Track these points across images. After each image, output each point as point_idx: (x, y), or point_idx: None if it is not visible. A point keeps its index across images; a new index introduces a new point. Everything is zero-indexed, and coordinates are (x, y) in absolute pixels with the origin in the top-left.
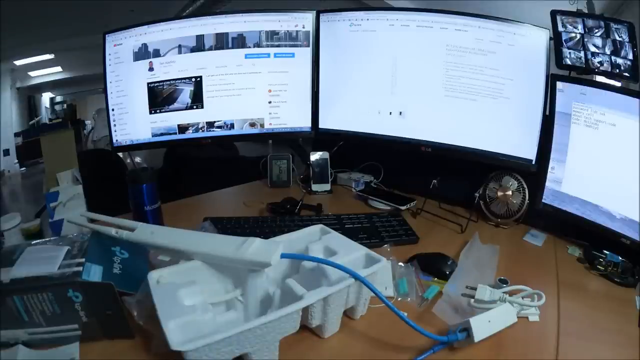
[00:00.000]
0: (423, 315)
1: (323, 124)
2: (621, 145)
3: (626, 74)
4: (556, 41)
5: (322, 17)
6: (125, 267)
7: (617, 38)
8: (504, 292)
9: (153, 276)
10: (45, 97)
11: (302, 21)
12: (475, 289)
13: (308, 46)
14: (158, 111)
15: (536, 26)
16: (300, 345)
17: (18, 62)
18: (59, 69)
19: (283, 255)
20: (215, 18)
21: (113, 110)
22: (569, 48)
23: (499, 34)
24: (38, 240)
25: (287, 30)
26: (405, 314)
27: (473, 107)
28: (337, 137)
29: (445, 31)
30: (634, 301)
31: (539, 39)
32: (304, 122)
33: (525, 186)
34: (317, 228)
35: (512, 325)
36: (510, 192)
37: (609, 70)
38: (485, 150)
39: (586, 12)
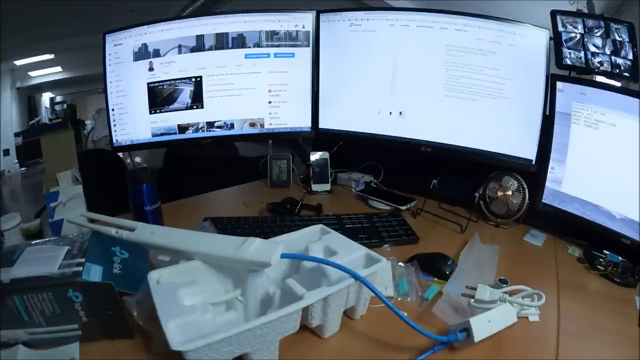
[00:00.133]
0: (423, 315)
1: (323, 124)
2: (621, 145)
3: (626, 74)
4: (556, 41)
5: (322, 17)
6: (125, 267)
7: (617, 38)
8: (504, 292)
9: (153, 276)
10: (45, 97)
11: (302, 21)
12: (475, 289)
13: (308, 46)
14: (158, 111)
15: (536, 26)
16: (300, 345)
17: (18, 62)
18: (59, 69)
19: (283, 255)
20: (215, 18)
21: (113, 110)
22: (569, 48)
23: (499, 34)
24: (38, 240)
25: (287, 30)
26: (405, 314)
27: (473, 107)
28: (337, 137)
29: (445, 31)
30: (634, 301)
31: (539, 39)
32: (304, 122)
33: (525, 186)
34: (317, 228)
35: (512, 325)
36: (510, 192)
37: (609, 70)
38: (485, 150)
39: (586, 12)
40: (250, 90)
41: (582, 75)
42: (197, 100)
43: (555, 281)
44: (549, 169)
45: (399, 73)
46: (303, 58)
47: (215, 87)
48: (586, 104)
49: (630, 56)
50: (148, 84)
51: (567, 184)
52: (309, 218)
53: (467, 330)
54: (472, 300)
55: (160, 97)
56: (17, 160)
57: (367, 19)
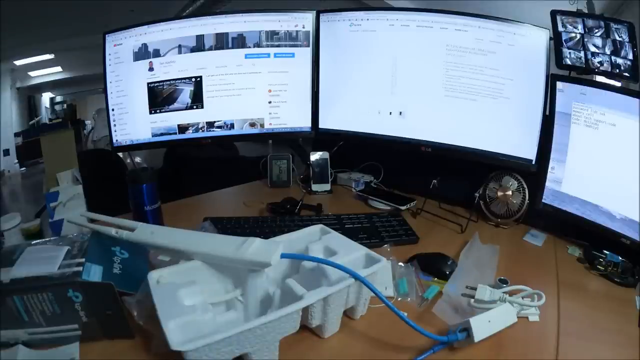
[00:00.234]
0: (423, 315)
1: (323, 124)
2: (621, 145)
3: (626, 74)
4: (556, 41)
5: (322, 17)
6: (125, 267)
7: (617, 38)
8: (504, 292)
9: (153, 276)
10: (45, 97)
11: (302, 21)
12: (475, 289)
13: (308, 46)
14: (158, 111)
15: (536, 26)
16: (300, 345)
17: (18, 62)
18: (59, 69)
19: (283, 255)
20: (215, 18)
21: (113, 110)
22: (569, 48)
23: (499, 34)
24: (38, 240)
25: (287, 30)
26: (405, 314)
27: (473, 107)
28: (337, 137)
29: (445, 31)
30: (634, 301)
31: (539, 39)
32: (304, 122)
33: (525, 186)
34: (317, 228)
35: (512, 325)
36: (510, 192)
37: (609, 70)
38: (485, 150)
39: (586, 12)
40: (250, 90)
41: (582, 75)
42: (197, 100)
43: (555, 281)
44: (549, 169)
45: (399, 73)
46: (303, 58)
47: (215, 87)
48: (586, 104)
49: (630, 56)
50: (148, 84)
51: (567, 184)
52: (309, 218)
53: (467, 330)
54: (472, 300)
55: (160, 97)
56: (17, 160)
57: (367, 19)
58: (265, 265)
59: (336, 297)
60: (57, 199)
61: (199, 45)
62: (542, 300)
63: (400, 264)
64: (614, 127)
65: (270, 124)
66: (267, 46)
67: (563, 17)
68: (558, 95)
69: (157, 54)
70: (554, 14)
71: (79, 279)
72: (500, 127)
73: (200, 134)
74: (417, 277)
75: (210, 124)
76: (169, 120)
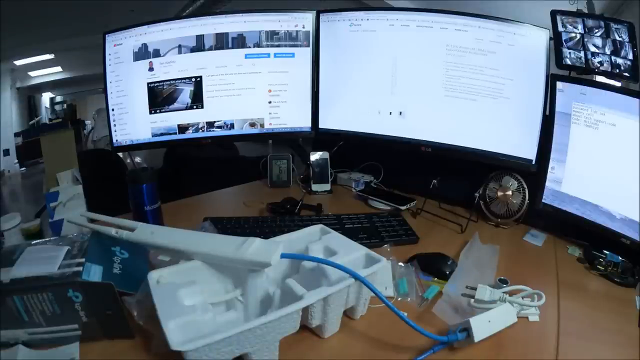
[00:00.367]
0: (423, 315)
1: (323, 124)
2: (621, 145)
3: (626, 74)
4: (556, 41)
5: (322, 17)
6: (125, 267)
7: (617, 38)
8: (504, 292)
9: (153, 276)
10: (45, 97)
11: (302, 21)
12: (475, 289)
13: (308, 46)
14: (158, 111)
15: (536, 26)
16: (300, 345)
17: (18, 62)
18: (59, 69)
19: (283, 255)
20: (215, 18)
21: (113, 110)
22: (569, 48)
23: (499, 34)
24: (38, 240)
25: (287, 30)
26: (405, 314)
27: (473, 107)
28: (337, 137)
29: (445, 31)
30: (634, 301)
31: (539, 39)
32: (304, 122)
33: (525, 186)
34: (317, 228)
35: (512, 325)
36: (510, 192)
37: (609, 70)
38: (485, 150)
39: (586, 12)
40: (250, 90)
41: (582, 75)
42: (197, 100)
43: (555, 281)
44: (549, 169)
45: (399, 73)
46: (303, 58)
47: (215, 87)
48: (586, 104)
49: (630, 56)
50: (148, 84)
51: (567, 184)
52: (309, 218)
53: (467, 330)
54: (472, 300)
55: (160, 97)
56: (17, 160)
57: (367, 19)
58: (265, 265)
59: (336, 297)
60: (57, 199)
61: (199, 45)
62: (542, 300)
63: (400, 264)
64: (614, 127)
65: (270, 124)
66: (267, 46)
67: (563, 17)
68: (558, 95)
69: (157, 54)
70: (554, 14)
71: (79, 279)
72: (500, 127)
73: (200, 134)
74: (417, 277)
75: (210, 124)
76: (169, 120)
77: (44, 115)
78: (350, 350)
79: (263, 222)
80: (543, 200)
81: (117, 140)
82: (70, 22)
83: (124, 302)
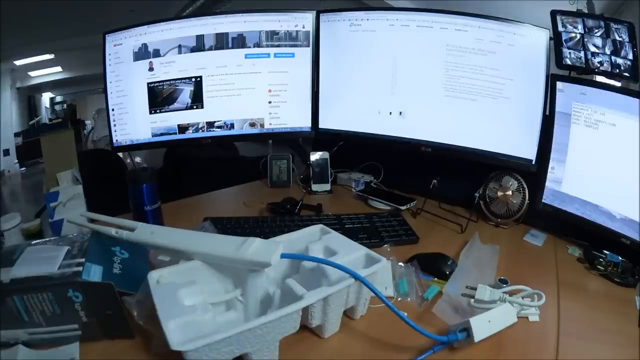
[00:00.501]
0: (423, 315)
1: (323, 124)
2: (621, 145)
3: (626, 74)
4: (556, 41)
5: (322, 17)
6: (125, 267)
7: (617, 38)
8: (504, 292)
9: (153, 276)
10: (45, 97)
11: (302, 21)
12: (475, 289)
13: (308, 46)
14: (158, 111)
15: (536, 26)
16: (300, 345)
17: (18, 62)
18: (59, 69)
19: (283, 255)
20: (215, 18)
21: (113, 110)
22: (569, 48)
23: (499, 34)
24: (38, 240)
25: (287, 30)
26: (405, 314)
27: (473, 107)
28: (337, 137)
29: (445, 31)
30: (634, 301)
31: (539, 39)
32: (304, 122)
33: (525, 186)
34: (317, 228)
35: (512, 325)
36: (510, 192)
37: (609, 70)
38: (485, 150)
39: (586, 12)
40: (250, 90)
41: (582, 75)
42: (197, 100)
43: (555, 281)
44: (549, 169)
45: (399, 73)
46: (303, 58)
47: (215, 87)
48: (586, 104)
49: (630, 56)
50: (148, 84)
51: (567, 184)
52: (309, 218)
53: (467, 330)
54: (472, 300)
55: (160, 97)
56: (17, 160)
57: (367, 19)
58: (265, 265)
59: (336, 297)
60: (57, 199)
61: (199, 45)
62: (542, 300)
63: (400, 264)
64: (614, 127)
65: (270, 124)
66: (267, 46)
67: (563, 17)
68: (558, 95)
69: (157, 54)
70: (554, 14)
71: (79, 279)
72: (500, 127)
73: (200, 134)
74: (417, 277)
75: (210, 124)
76: (169, 120)
77: (44, 115)
78: (350, 350)
79: (263, 222)
80: (543, 200)
81: (117, 140)
82: (70, 22)
83: (124, 302)
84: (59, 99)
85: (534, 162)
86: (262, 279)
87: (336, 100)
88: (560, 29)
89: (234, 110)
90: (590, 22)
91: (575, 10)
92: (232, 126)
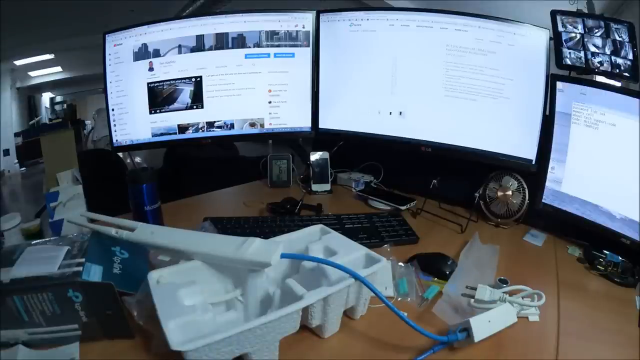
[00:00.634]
0: (423, 315)
1: (323, 124)
2: (621, 145)
3: (626, 74)
4: (556, 41)
5: (322, 17)
6: (125, 267)
7: (617, 38)
8: (504, 292)
9: (153, 276)
10: (45, 97)
11: (302, 21)
12: (475, 289)
13: (308, 46)
14: (158, 111)
15: (536, 26)
16: (300, 345)
17: (18, 62)
18: (59, 69)
19: (283, 255)
20: (215, 18)
21: (113, 110)
22: (569, 48)
23: (499, 34)
24: (38, 240)
25: (287, 30)
26: (405, 314)
27: (473, 107)
28: (337, 137)
29: (445, 31)
30: (634, 301)
31: (539, 39)
32: (304, 122)
33: (525, 186)
34: (317, 228)
35: (512, 325)
36: (510, 192)
37: (609, 70)
38: (485, 150)
39: (586, 12)
40: (250, 90)
41: (582, 75)
42: (197, 100)
43: (555, 281)
44: (549, 169)
45: (399, 73)
46: (303, 58)
47: (215, 87)
48: (586, 104)
49: (630, 56)
50: (148, 84)
51: (567, 184)
52: (309, 218)
53: (467, 330)
54: (472, 300)
55: (160, 97)
56: (17, 160)
57: (367, 19)
58: (265, 265)
59: (336, 297)
60: (57, 199)
61: (199, 45)
62: (542, 300)
63: (400, 264)
64: (614, 127)
65: (270, 124)
66: (267, 46)
67: (563, 17)
68: (558, 95)
69: (157, 54)
70: (554, 14)
71: (79, 279)
72: (500, 127)
73: (200, 134)
74: (417, 277)
75: (210, 124)
76: (169, 120)
77: (44, 115)
78: (350, 350)
79: (263, 222)
80: (543, 200)
81: (117, 140)
82: (70, 22)
83: (124, 302)
84: (59, 99)
85: (534, 162)
86: (262, 279)
87: (336, 100)
88: (560, 29)
89: (234, 110)
90: (590, 22)
91: (575, 10)
92: (232, 126)
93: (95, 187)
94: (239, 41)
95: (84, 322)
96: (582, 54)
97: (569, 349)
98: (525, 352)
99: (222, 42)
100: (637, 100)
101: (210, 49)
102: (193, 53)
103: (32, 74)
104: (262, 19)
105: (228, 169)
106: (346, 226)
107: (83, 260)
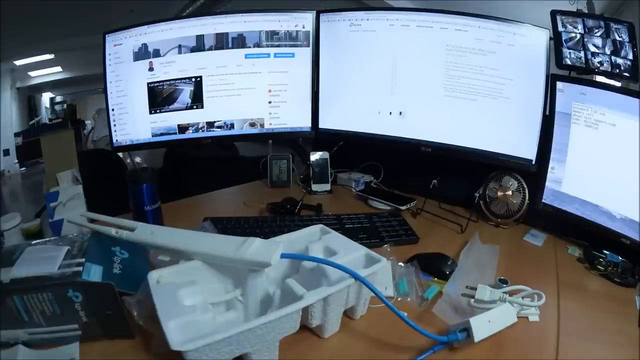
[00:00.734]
0: (423, 315)
1: (323, 124)
2: (621, 145)
3: (626, 74)
4: (556, 41)
5: (322, 17)
6: (125, 267)
7: (617, 38)
8: (504, 292)
9: (153, 276)
10: (45, 97)
11: (302, 21)
12: (475, 289)
13: (308, 46)
14: (158, 111)
15: (536, 26)
16: (300, 345)
17: (18, 62)
18: (59, 69)
19: (283, 255)
20: (215, 18)
21: (113, 110)
22: (569, 48)
23: (499, 34)
24: (38, 240)
25: (287, 30)
26: (405, 314)
27: (473, 107)
28: (337, 137)
29: (445, 31)
30: (634, 301)
31: (539, 39)
32: (304, 122)
33: (525, 186)
34: (317, 228)
35: (512, 325)
36: (510, 192)
37: (609, 70)
38: (485, 150)
39: (586, 12)
40: (250, 90)
41: (582, 75)
42: (197, 100)
43: (555, 281)
44: (549, 169)
45: (399, 73)
46: (303, 58)
47: (215, 87)
48: (586, 104)
49: (630, 56)
50: (148, 84)
51: (567, 184)
52: (309, 218)
53: (467, 330)
54: (472, 300)
55: (160, 97)
56: (17, 160)
57: (367, 19)
58: (265, 265)
59: (336, 297)
60: (57, 199)
61: (199, 45)
62: (542, 300)
63: (400, 264)
64: (614, 127)
65: (270, 124)
66: (267, 46)
67: (563, 17)
68: (558, 95)
69: (157, 54)
70: (554, 14)
71: (79, 279)
72: (500, 127)
73: (200, 134)
74: (417, 277)
75: (210, 124)
76: (169, 120)
77: (44, 115)
78: (350, 350)
79: (263, 222)
80: (543, 200)
81: (117, 140)
82: (70, 22)
83: (124, 302)
84: (59, 99)
85: (534, 162)
86: (262, 279)
87: (336, 100)
88: (560, 29)
89: (234, 110)
90: (590, 22)
91: (575, 10)
92: (232, 126)
93: (95, 187)
94: (239, 41)
95: (84, 322)
96: (582, 54)
97: (569, 349)
98: (525, 352)
99: (222, 42)
100: (637, 100)
101: (210, 49)
102: (193, 53)
103: (32, 74)
104: (262, 19)
105: (228, 169)
106: (346, 226)
107: (83, 260)
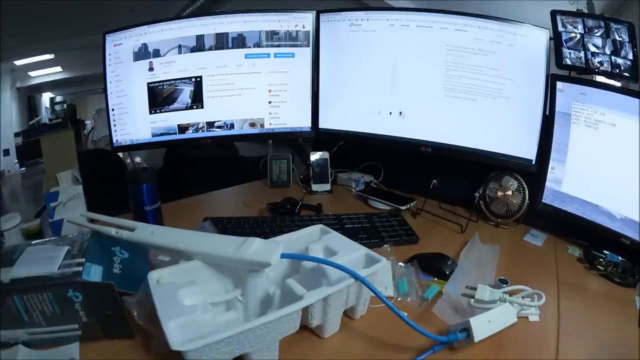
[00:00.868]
0: (423, 315)
1: (323, 124)
2: (621, 145)
3: (626, 74)
4: (556, 41)
5: (322, 17)
6: (125, 267)
7: (617, 38)
8: (504, 292)
9: (153, 276)
10: (45, 97)
11: (302, 21)
12: (475, 289)
13: (308, 46)
14: (158, 111)
15: (536, 26)
16: (300, 345)
17: (18, 62)
18: (59, 69)
19: (283, 255)
20: (215, 18)
21: (113, 110)
22: (569, 48)
23: (499, 34)
24: (38, 240)
25: (287, 30)
26: (405, 314)
27: (473, 107)
28: (337, 137)
29: (445, 31)
30: (634, 301)
31: (539, 39)
32: (304, 122)
33: (525, 186)
34: (317, 228)
35: (512, 325)
36: (510, 192)
37: (609, 70)
38: (485, 150)
39: (586, 12)
40: (250, 90)
41: (582, 75)
42: (197, 100)
43: (555, 281)
44: (549, 169)
45: (399, 73)
46: (303, 58)
47: (215, 87)
48: (586, 104)
49: (630, 56)
50: (148, 84)
51: (567, 184)
52: (309, 218)
53: (467, 330)
54: (472, 300)
55: (160, 97)
56: (17, 160)
57: (367, 19)
58: (265, 265)
59: (336, 297)
60: (57, 199)
61: (199, 45)
62: (542, 300)
63: (400, 264)
64: (614, 127)
65: (270, 124)
66: (267, 46)
67: (563, 17)
68: (558, 95)
69: (157, 54)
70: (554, 14)
71: (79, 279)
72: (500, 127)
73: (200, 134)
74: (417, 277)
75: (210, 124)
76: (169, 120)
77: (44, 115)
78: (350, 350)
79: (263, 222)
80: (543, 200)
81: (117, 140)
82: (70, 22)
83: (124, 302)
84: (59, 99)
85: (534, 162)
86: (262, 279)
87: (336, 100)
88: (560, 29)
89: (234, 110)
90: (590, 22)
91: (575, 10)
92: (232, 126)
93: (95, 187)
94: (239, 41)
95: (84, 322)
96: (582, 54)
97: (569, 349)
98: (525, 352)
99: (222, 42)
100: (637, 100)
101: (210, 49)
102: (193, 53)
103: (32, 74)
104: (262, 19)
105: (228, 169)
106: (346, 226)
107: (83, 260)
